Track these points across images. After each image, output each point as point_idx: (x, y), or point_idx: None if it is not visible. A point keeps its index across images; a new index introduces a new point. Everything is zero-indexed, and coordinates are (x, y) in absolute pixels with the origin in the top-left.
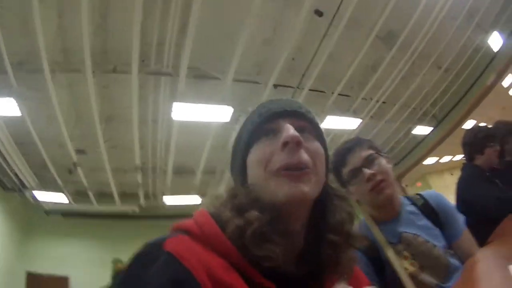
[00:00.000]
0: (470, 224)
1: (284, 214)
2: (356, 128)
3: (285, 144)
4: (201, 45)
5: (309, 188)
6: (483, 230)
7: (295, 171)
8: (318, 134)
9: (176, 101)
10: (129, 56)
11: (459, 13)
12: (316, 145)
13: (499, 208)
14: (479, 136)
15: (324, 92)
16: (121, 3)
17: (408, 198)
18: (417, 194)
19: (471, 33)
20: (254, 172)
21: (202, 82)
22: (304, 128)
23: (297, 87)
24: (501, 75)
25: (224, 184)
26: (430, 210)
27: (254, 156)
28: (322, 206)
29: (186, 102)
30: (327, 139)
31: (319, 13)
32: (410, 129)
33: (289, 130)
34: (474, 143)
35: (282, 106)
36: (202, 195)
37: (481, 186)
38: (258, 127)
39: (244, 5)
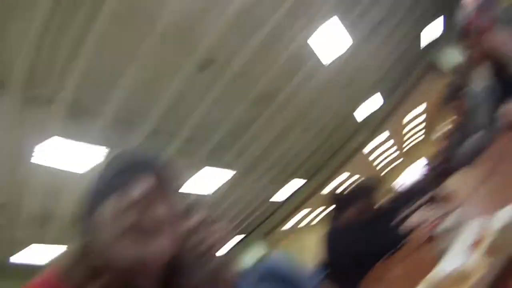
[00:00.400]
0: (341, 271)
1: (138, 275)
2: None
3: (136, 200)
4: (83, 80)
5: (160, 248)
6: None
7: (144, 229)
8: (175, 189)
9: (47, 136)
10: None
11: (337, 83)
12: (172, 200)
13: (361, 262)
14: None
15: (199, 142)
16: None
17: (250, 268)
18: (260, 261)
19: (344, 101)
20: (103, 230)
21: (77, 119)
22: (159, 182)
23: (173, 135)
24: (365, 142)
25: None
26: (274, 278)
27: (104, 213)
28: (179, 264)
29: (59, 136)
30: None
31: (204, 66)
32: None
33: (141, 185)
34: (337, 207)
35: (138, 159)
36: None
37: (345, 240)
38: (110, 181)
39: (133, 47)
